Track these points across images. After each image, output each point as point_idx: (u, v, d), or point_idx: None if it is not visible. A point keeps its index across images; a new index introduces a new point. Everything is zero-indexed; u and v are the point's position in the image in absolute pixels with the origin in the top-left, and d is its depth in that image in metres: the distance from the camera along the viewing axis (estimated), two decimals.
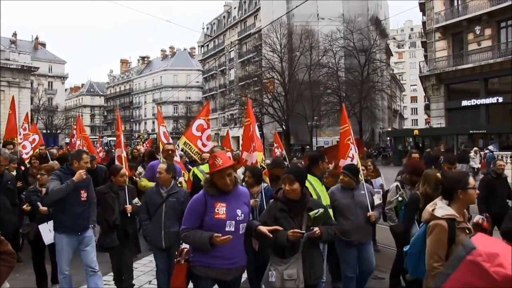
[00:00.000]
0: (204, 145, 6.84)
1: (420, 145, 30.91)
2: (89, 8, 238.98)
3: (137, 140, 46.75)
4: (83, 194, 4.65)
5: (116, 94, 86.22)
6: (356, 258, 4.69)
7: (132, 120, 79.48)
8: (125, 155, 6.83)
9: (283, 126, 38.62)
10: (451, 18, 28.53)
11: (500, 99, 26.05)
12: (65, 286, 4.63)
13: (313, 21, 41.97)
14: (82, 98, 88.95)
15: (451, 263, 2.34)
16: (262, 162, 5.46)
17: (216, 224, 3.13)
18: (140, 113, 78.90)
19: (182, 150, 7.80)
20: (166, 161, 5.37)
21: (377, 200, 5.01)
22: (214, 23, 64.85)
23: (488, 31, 26.65)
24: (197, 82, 64.79)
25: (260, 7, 48.78)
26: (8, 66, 34.45)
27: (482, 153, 21.00)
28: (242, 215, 3.23)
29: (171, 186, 4.72)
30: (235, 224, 3.19)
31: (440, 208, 2.86)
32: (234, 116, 46.63)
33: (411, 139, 34.57)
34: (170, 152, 6.18)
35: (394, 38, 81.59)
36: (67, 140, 42.47)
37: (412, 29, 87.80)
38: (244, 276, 4.08)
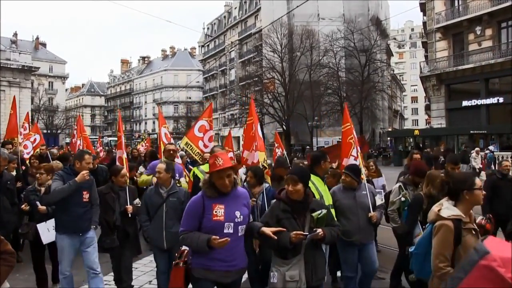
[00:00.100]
0: (205, 146, 6.83)
1: (421, 145, 30.88)
2: (90, 8, 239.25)
3: (138, 140, 46.78)
4: (85, 195, 4.63)
5: (117, 94, 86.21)
6: (357, 259, 4.67)
7: (132, 120, 79.48)
8: (126, 156, 6.82)
9: (284, 126, 38.60)
10: (451, 18, 28.51)
11: (501, 100, 26.03)
12: (65, 286, 4.62)
13: (314, 21, 41.96)
14: (82, 98, 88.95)
15: (463, 267, 2.29)
16: (264, 162, 5.45)
17: (214, 226, 3.09)
18: (140, 113, 78.91)
19: (183, 150, 7.80)
20: (165, 161, 5.35)
21: (379, 200, 4.98)
22: (214, 23, 64.84)
23: (488, 32, 26.62)
24: (198, 82, 64.76)
25: (260, 7, 48.76)
26: (8, 66, 34.49)
27: (482, 153, 20.98)
28: (241, 216, 3.18)
29: (171, 186, 4.70)
30: (233, 226, 3.13)
31: (446, 208, 2.85)
32: (235, 116, 46.60)
33: (411, 140, 34.53)
34: (171, 152, 6.16)
35: (394, 38, 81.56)
36: (68, 140, 42.53)
37: (412, 30, 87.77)
38: (245, 276, 4.06)
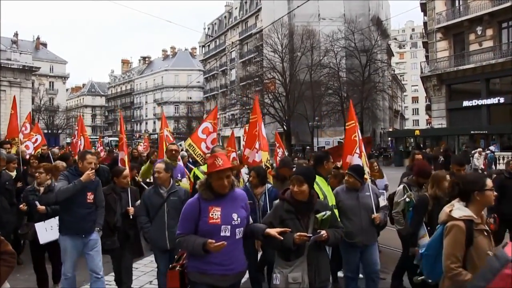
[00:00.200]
0: (208, 148, 6.88)
1: (421, 145, 30.87)
2: (91, 8, 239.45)
3: (138, 141, 46.79)
4: (90, 196, 4.58)
5: (117, 94, 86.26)
6: (359, 260, 4.66)
7: (133, 120, 79.52)
8: (127, 158, 6.86)
9: (284, 127, 38.61)
10: (452, 18, 28.50)
11: (502, 100, 26.00)
12: (66, 287, 4.57)
13: (314, 21, 41.97)
14: (83, 98, 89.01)
15: (484, 275, 2.24)
16: (267, 161, 5.43)
17: (211, 229, 3.01)
18: (141, 113, 78.94)
19: (185, 150, 7.85)
20: (164, 161, 5.33)
21: (383, 202, 4.94)
22: (215, 23, 64.85)
23: (489, 32, 26.60)
24: (198, 82, 64.78)
25: (261, 7, 48.74)
26: (9, 66, 34.52)
27: (483, 153, 20.96)
28: (238, 219, 3.09)
29: (170, 186, 4.68)
30: (230, 228, 3.04)
31: (458, 209, 2.82)
32: (235, 116, 46.60)
33: (412, 140, 34.55)
34: (174, 152, 6.17)
35: (395, 39, 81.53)
36: (68, 140, 42.54)
37: (413, 30, 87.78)
38: (246, 276, 4.04)
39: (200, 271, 3.07)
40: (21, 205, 5.30)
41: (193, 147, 6.91)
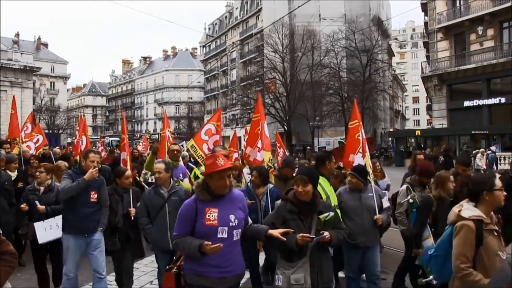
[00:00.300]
0: (209, 149, 6.87)
1: (422, 145, 30.84)
2: (91, 8, 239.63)
3: (139, 140, 46.80)
4: (93, 195, 4.56)
5: (118, 94, 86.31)
6: (360, 261, 4.64)
7: (134, 120, 79.57)
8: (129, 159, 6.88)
9: (285, 127, 38.61)
10: (453, 18, 28.48)
11: (503, 100, 25.98)
12: (68, 287, 4.55)
13: (315, 22, 41.98)
14: (84, 98, 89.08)
15: (497, 280, 2.23)
16: (269, 161, 5.42)
17: (208, 231, 2.95)
18: (142, 113, 79.01)
19: (187, 151, 7.88)
20: (164, 161, 5.32)
21: (386, 203, 4.90)
22: (216, 24, 64.87)
23: (490, 32, 26.58)
24: (199, 82, 64.81)
25: (262, 8, 48.77)
26: (10, 66, 34.55)
27: (485, 153, 20.92)
28: (236, 220, 3.02)
29: (171, 185, 4.66)
30: (228, 230, 2.98)
31: (467, 209, 2.81)
32: (236, 117, 46.61)
33: (413, 140, 34.52)
34: (175, 152, 6.17)
35: (396, 39, 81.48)
36: (69, 140, 42.59)
37: (414, 30, 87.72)
38: (246, 276, 4.02)
39: (196, 273, 3.01)
40: (22, 205, 5.28)
41: (195, 148, 6.92)
